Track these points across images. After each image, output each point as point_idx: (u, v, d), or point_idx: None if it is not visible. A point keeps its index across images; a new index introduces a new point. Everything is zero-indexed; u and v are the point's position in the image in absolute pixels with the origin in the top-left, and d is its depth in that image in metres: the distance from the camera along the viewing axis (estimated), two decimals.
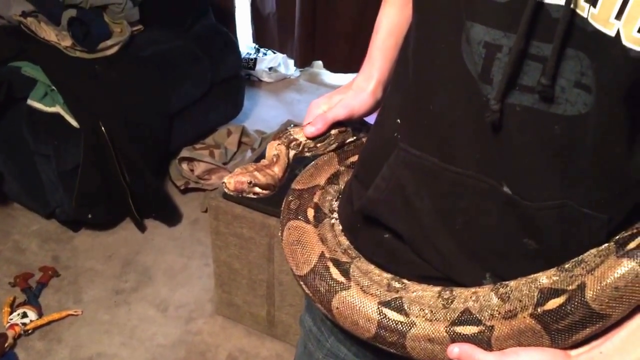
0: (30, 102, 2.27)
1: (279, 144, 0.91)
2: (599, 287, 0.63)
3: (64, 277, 2.26)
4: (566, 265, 0.67)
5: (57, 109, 2.26)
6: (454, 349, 0.70)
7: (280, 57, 3.58)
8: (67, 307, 2.13)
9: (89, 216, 2.36)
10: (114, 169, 2.32)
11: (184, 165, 2.66)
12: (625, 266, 0.62)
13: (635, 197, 0.65)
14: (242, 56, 3.53)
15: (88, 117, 2.26)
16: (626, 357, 0.64)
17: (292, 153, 0.92)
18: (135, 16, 2.72)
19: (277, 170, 0.88)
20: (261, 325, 2.04)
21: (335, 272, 0.79)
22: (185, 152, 2.66)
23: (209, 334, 2.07)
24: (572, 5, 0.55)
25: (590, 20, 0.55)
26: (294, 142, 0.91)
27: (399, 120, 0.75)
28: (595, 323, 0.64)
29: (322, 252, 0.81)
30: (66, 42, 2.42)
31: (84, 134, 2.25)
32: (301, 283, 0.83)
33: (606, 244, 0.66)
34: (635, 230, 0.65)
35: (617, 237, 0.66)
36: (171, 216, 2.52)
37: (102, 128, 2.27)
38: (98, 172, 2.31)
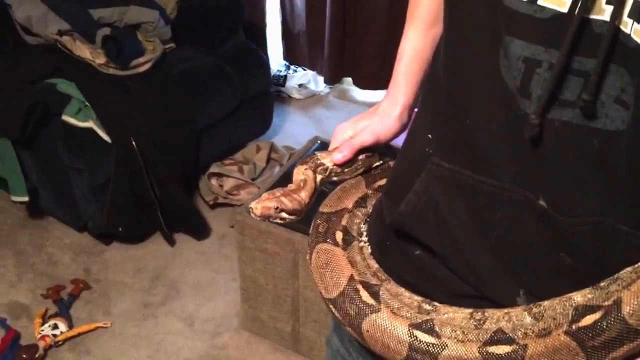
0: (64, 117, 2.32)
1: (306, 169, 0.92)
2: (635, 302, 0.62)
3: (95, 289, 2.30)
4: (602, 284, 0.66)
5: (90, 124, 2.32)
6: None
7: (310, 74, 3.61)
8: (97, 319, 2.17)
9: (120, 229, 2.41)
10: (144, 183, 2.36)
11: (213, 181, 2.69)
12: None
13: None
14: (273, 73, 3.57)
15: (120, 132, 2.31)
16: None
17: (319, 178, 0.92)
18: (167, 34, 2.78)
19: (304, 196, 0.88)
20: (286, 341, 2.04)
21: (365, 295, 0.79)
22: (214, 168, 2.69)
23: (234, 348, 2.09)
24: (616, 22, 0.55)
25: (633, 36, 0.55)
26: (321, 167, 0.92)
27: (430, 136, 0.75)
28: (633, 340, 0.63)
29: (352, 274, 0.81)
30: (100, 59, 2.49)
31: (116, 149, 2.30)
32: (330, 306, 0.82)
33: None
34: None
35: None
36: (200, 230, 2.55)
37: (133, 143, 2.31)
38: (129, 186, 2.35)
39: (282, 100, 3.50)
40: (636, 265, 0.65)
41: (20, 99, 2.28)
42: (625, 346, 0.63)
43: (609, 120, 0.59)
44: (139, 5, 2.74)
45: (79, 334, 2.10)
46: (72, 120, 2.32)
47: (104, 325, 2.14)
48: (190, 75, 2.67)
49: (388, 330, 0.75)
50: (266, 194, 0.86)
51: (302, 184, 0.89)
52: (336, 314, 0.81)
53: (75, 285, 2.28)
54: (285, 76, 3.57)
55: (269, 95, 3.12)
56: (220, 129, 2.80)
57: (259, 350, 2.08)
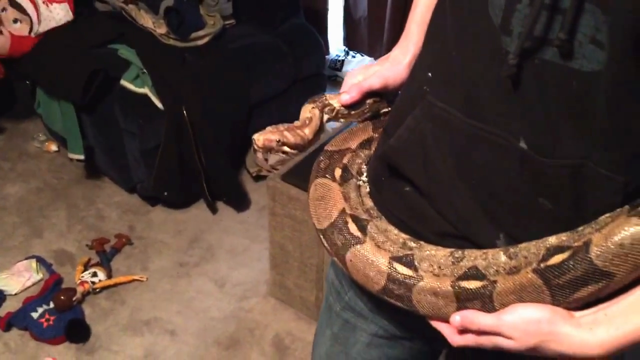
0: (123, 82, 2.44)
1: (313, 108, 0.94)
2: (604, 244, 0.62)
3: (136, 245, 2.41)
4: (579, 229, 0.67)
5: (145, 90, 2.42)
6: (456, 318, 0.72)
7: (367, 60, 3.63)
8: (135, 272, 2.27)
9: (165, 193, 2.51)
10: (191, 151, 2.45)
11: (259, 154, 2.73)
12: (634, 224, 0.61)
13: None
14: (331, 58, 3.62)
15: (172, 100, 2.40)
16: (630, 321, 0.63)
17: (325, 117, 0.95)
18: (228, 10, 2.87)
19: (308, 132, 0.91)
20: (310, 311, 2.08)
21: (353, 228, 0.82)
22: (269, 151, 2.75)
23: (259, 313, 2.14)
24: None
25: None
26: (328, 107, 0.94)
27: (430, 74, 0.76)
28: (597, 281, 0.63)
29: (344, 208, 0.85)
30: (161, 29, 2.59)
31: (167, 116, 2.39)
32: (321, 236, 0.86)
33: (620, 208, 0.65)
34: None
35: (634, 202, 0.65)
36: (240, 203, 2.62)
37: (184, 112, 2.40)
38: (176, 152, 2.45)
39: (337, 85, 3.53)
40: (614, 212, 0.65)
41: (83, 64, 2.42)
42: (589, 287, 0.64)
43: (586, 61, 0.59)
44: None
45: (116, 284, 2.21)
46: (130, 86, 2.43)
47: (140, 279, 2.24)
48: (246, 52, 2.74)
49: (370, 261, 0.78)
50: (270, 127, 0.89)
51: (307, 121, 0.92)
52: (325, 244, 0.85)
53: (119, 240, 2.39)
54: (343, 61, 3.60)
55: (323, 77, 3.16)
56: (272, 106, 2.86)
57: (282, 316, 2.13)
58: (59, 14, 2.60)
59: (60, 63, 2.45)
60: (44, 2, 2.57)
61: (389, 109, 0.96)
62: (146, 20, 2.62)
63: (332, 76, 3.52)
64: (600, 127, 0.61)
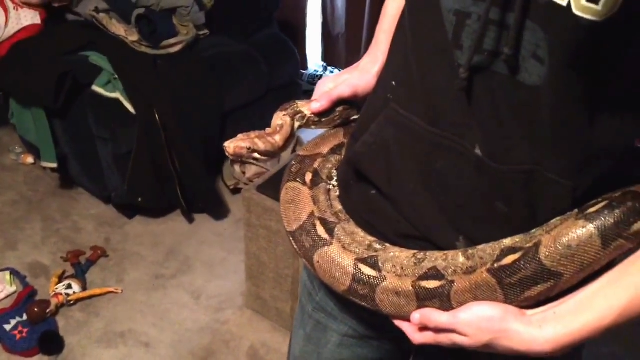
0: (94, 87, 2.43)
1: (284, 115, 0.96)
2: (552, 245, 0.65)
3: (112, 258, 2.40)
4: (532, 231, 0.70)
5: (117, 95, 2.41)
6: (415, 316, 0.74)
7: None
8: (110, 285, 2.26)
9: (140, 199, 2.49)
10: (164, 156, 2.44)
11: (237, 167, 2.77)
12: (581, 227, 0.64)
13: (600, 166, 0.66)
14: (309, 73, 3.65)
15: (144, 104, 2.40)
16: (578, 318, 0.65)
17: (296, 125, 0.96)
18: (201, 20, 2.88)
19: (278, 139, 0.92)
20: (286, 322, 2.09)
21: (321, 230, 0.84)
22: (240, 159, 2.76)
23: (235, 325, 2.14)
24: None
25: None
26: (299, 115, 0.96)
27: (393, 83, 0.78)
28: (546, 280, 0.66)
29: (313, 211, 0.87)
30: (133, 37, 2.59)
31: (140, 120, 2.39)
32: (290, 239, 0.88)
33: (570, 212, 0.67)
34: (599, 200, 0.66)
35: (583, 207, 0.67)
36: (217, 209, 2.62)
37: (157, 116, 2.40)
38: (149, 157, 2.43)
39: None
40: (564, 215, 0.67)
41: (53, 68, 2.40)
42: (539, 286, 0.67)
43: (528, 75, 0.62)
44: None
45: (91, 297, 2.19)
46: (101, 91, 2.43)
47: (115, 291, 2.23)
48: (219, 59, 2.75)
49: (336, 262, 0.81)
50: (241, 135, 0.90)
51: (278, 129, 0.93)
52: (294, 245, 0.87)
53: (94, 252, 2.38)
54: (321, 76, 3.64)
55: (297, 85, 3.19)
56: (246, 115, 2.87)
57: (258, 328, 2.13)
58: (26, 17, 2.61)
59: (31, 70, 2.45)
60: (14, 8, 2.57)
61: (359, 115, 0.97)
62: (118, 28, 2.62)
63: (310, 91, 3.56)
64: (547, 135, 0.64)
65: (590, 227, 0.63)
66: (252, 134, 0.91)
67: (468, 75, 0.65)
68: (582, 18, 0.55)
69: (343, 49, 3.61)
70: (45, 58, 2.46)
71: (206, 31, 2.83)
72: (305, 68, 3.67)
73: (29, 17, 2.62)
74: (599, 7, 0.53)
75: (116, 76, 2.40)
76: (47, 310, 2.05)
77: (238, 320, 2.16)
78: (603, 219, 0.62)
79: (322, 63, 3.78)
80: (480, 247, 0.72)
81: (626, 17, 0.54)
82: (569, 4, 0.55)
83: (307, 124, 0.97)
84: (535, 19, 0.59)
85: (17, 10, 2.58)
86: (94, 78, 2.43)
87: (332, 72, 3.74)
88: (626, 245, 0.63)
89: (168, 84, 2.50)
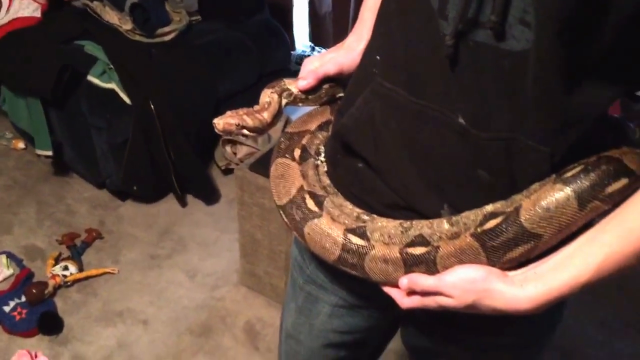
0: (89, 77, 2.46)
1: (272, 92, 0.98)
2: (532, 208, 0.69)
3: (107, 239, 2.44)
4: (513, 197, 0.73)
5: (112, 85, 2.44)
6: (403, 280, 0.78)
7: None
8: (106, 266, 2.30)
9: (135, 188, 2.54)
10: (159, 145, 2.48)
11: (227, 148, 2.80)
12: (559, 190, 0.68)
13: (575, 132, 0.68)
14: (297, 53, 3.67)
15: (139, 95, 2.43)
16: (557, 276, 0.69)
17: (284, 102, 0.99)
18: (194, 6, 2.90)
19: (267, 116, 0.95)
20: (280, 297, 2.14)
21: (310, 203, 0.87)
22: (229, 135, 2.80)
23: (231, 301, 2.19)
24: None
25: None
26: (286, 92, 0.98)
27: (378, 57, 0.81)
28: (527, 241, 0.70)
29: (302, 185, 0.89)
30: (127, 25, 2.62)
31: (135, 110, 2.42)
32: (281, 212, 0.91)
33: (548, 177, 0.71)
34: (575, 165, 0.70)
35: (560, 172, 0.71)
36: (209, 195, 2.67)
37: (152, 106, 2.43)
38: (145, 147, 2.48)
39: None
40: (543, 181, 0.72)
41: (51, 60, 2.43)
42: (520, 247, 0.71)
43: (515, 41, 0.64)
44: None
45: (87, 277, 2.23)
46: (96, 81, 2.45)
47: (112, 272, 2.27)
48: (212, 47, 2.78)
49: (326, 233, 0.84)
50: (230, 112, 0.93)
51: (266, 105, 0.96)
52: (285, 219, 0.90)
53: (89, 234, 2.41)
54: (309, 56, 3.65)
55: (289, 72, 3.21)
56: (238, 100, 2.90)
57: (253, 304, 2.18)
58: (29, 9, 2.61)
59: (27, 60, 2.46)
60: None
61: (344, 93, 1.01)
62: (112, 16, 2.64)
63: (298, 72, 3.57)
64: (528, 103, 0.67)
65: (567, 190, 0.67)
66: (241, 111, 0.94)
67: (454, 42, 0.67)
68: None
69: (330, 29, 3.63)
70: (42, 48, 2.47)
71: (198, 17, 2.85)
72: (294, 49, 3.69)
73: (31, 9, 2.62)
74: None
75: (111, 66, 2.42)
76: (45, 292, 2.09)
77: (233, 297, 2.21)
78: (579, 182, 0.66)
79: (310, 43, 3.80)
80: (464, 214, 0.76)
81: None
82: None
83: (294, 101, 1.00)
84: None
85: None
86: (89, 68, 2.44)
87: (319, 52, 3.75)
88: (601, 206, 0.67)
89: (163, 73, 2.53)
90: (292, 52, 3.63)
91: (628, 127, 0.75)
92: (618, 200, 0.67)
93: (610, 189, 0.66)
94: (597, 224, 0.68)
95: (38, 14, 2.65)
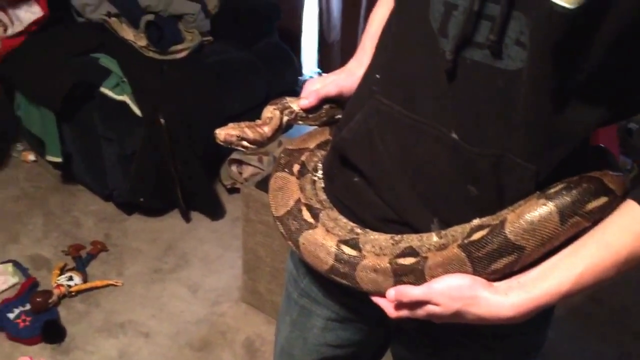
0: (103, 89, 2.52)
1: (274, 109, 1.03)
2: (516, 221, 0.73)
3: (112, 252, 2.48)
4: (499, 212, 0.77)
5: (124, 98, 2.51)
6: (391, 292, 0.81)
7: None
8: (110, 278, 2.34)
9: (141, 199, 2.58)
10: (167, 159, 2.53)
11: (233, 167, 2.86)
12: (542, 205, 0.72)
13: (562, 152, 0.73)
14: (305, 78, 3.75)
15: (150, 108, 2.49)
16: (540, 285, 0.73)
17: (285, 119, 1.03)
18: (206, 27, 2.98)
19: (267, 130, 1.00)
20: None
21: (306, 214, 0.91)
22: (235, 155, 2.86)
23: (231, 317, 2.23)
24: None
25: None
26: (288, 110, 1.03)
27: (377, 76, 0.85)
28: (511, 253, 0.74)
29: (299, 198, 0.94)
30: (142, 42, 2.69)
31: (145, 124, 2.48)
32: (278, 223, 0.95)
33: (534, 194, 0.75)
34: (558, 183, 0.75)
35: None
36: (214, 210, 2.71)
37: (162, 120, 2.50)
38: (152, 160, 2.53)
39: None
40: (528, 197, 0.76)
41: (65, 74, 2.50)
42: (504, 258, 0.75)
43: (511, 60, 0.69)
44: None
45: (92, 288, 2.27)
46: (110, 93, 2.52)
47: (115, 284, 2.31)
48: (222, 66, 2.85)
49: (319, 243, 0.88)
50: (232, 124, 0.98)
51: (267, 120, 1.01)
52: (281, 229, 0.94)
53: (94, 246, 2.46)
54: None
55: (296, 94, 3.26)
56: (245, 119, 2.94)
57: (254, 321, 2.21)
58: (32, 12, 2.69)
59: (42, 70, 2.54)
60: (9, 6, 2.66)
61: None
62: (127, 33, 2.71)
63: None
64: (518, 120, 0.71)
65: (550, 205, 0.72)
66: (243, 124, 0.98)
67: (454, 57, 0.71)
68: (556, 4, 0.61)
69: (338, 56, 3.71)
70: (58, 60, 2.54)
71: (210, 38, 2.93)
72: (301, 74, 3.77)
73: (36, 10, 2.69)
74: None
75: (124, 79, 2.49)
76: (50, 300, 2.13)
77: (234, 313, 2.24)
78: (561, 198, 0.71)
79: (317, 69, 3.88)
80: (452, 227, 0.80)
81: (595, 8, 0.61)
82: None
83: (295, 119, 1.04)
84: (519, 7, 0.66)
85: (13, 9, 2.67)
86: (103, 80, 2.51)
87: None
88: (581, 222, 0.72)
89: (173, 88, 2.59)
90: (299, 77, 3.71)
91: (610, 152, 0.80)
92: (598, 217, 0.72)
93: (591, 205, 0.71)
94: (579, 238, 0.73)
95: (41, 12, 2.72)
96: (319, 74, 3.86)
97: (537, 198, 0.74)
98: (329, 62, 3.79)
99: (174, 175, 2.55)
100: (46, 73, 2.52)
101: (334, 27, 3.66)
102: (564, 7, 0.61)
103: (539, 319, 0.78)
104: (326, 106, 1.04)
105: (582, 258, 0.71)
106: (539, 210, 0.72)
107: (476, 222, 0.79)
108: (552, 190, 0.73)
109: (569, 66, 0.66)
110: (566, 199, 0.71)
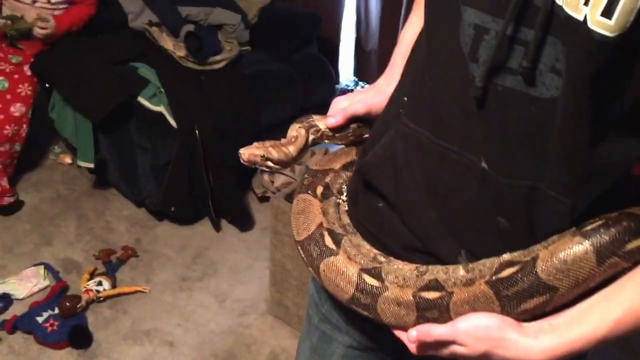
0: (140, 99, 2.55)
1: (299, 127, 0.99)
2: (549, 260, 0.68)
3: (142, 258, 2.49)
4: (531, 247, 0.72)
5: (161, 108, 2.52)
6: (412, 333, 0.77)
7: None
8: (138, 284, 2.34)
9: (172, 209, 2.59)
10: (200, 170, 2.54)
11: (266, 176, 2.84)
12: (578, 243, 0.67)
13: (598, 185, 0.67)
14: (341, 87, 3.72)
15: (186, 120, 2.50)
16: (573, 330, 0.68)
17: (311, 137, 0.99)
18: (245, 37, 2.98)
19: (292, 150, 0.96)
20: None
21: (328, 240, 0.87)
22: (253, 165, 2.83)
23: (257, 329, 2.20)
24: None
25: (564, 7, 0.59)
26: (314, 128, 0.99)
27: (405, 99, 0.82)
28: (542, 293, 0.69)
29: (321, 222, 0.90)
30: (181, 52, 2.70)
31: (180, 135, 2.49)
32: (299, 247, 0.91)
33: (568, 230, 0.70)
34: (596, 219, 0.69)
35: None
36: (244, 222, 2.70)
37: (197, 132, 2.50)
38: (186, 170, 2.54)
39: None
40: (562, 233, 0.71)
41: (112, 86, 2.53)
42: (535, 299, 0.70)
43: (545, 88, 0.64)
44: (224, 8, 2.97)
45: (120, 294, 2.28)
46: (146, 103, 2.54)
47: (144, 290, 2.31)
48: (258, 77, 2.85)
49: (341, 271, 0.84)
50: (256, 143, 0.94)
51: (292, 140, 0.97)
52: (302, 254, 0.90)
53: (125, 252, 2.47)
54: (352, 90, 3.69)
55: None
56: (280, 131, 2.92)
57: (279, 334, 2.18)
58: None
59: (86, 78, 2.55)
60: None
61: None
62: (167, 42, 2.73)
63: None
64: (552, 151, 0.66)
65: (586, 244, 0.66)
66: (267, 143, 0.94)
67: (484, 84, 0.67)
68: (595, 32, 0.57)
69: (375, 65, 3.67)
70: (101, 68, 2.57)
71: (248, 47, 2.93)
72: (338, 82, 3.74)
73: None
74: (611, 22, 0.56)
75: (162, 89, 2.50)
76: (78, 305, 2.14)
77: (260, 325, 2.22)
78: (599, 236, 0.66)
79: (354, 78, 3.85)
80: (480, 261, 0.75)
81: (636, 37, 0.56)
82: (585, 17, 0.57)
83: (321, 137, 0.99)
84: (555, 33, 0.62)
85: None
86: (141, 89, 2.53)
87: (363, 87, 3.80)
88: (620, 263, 0.66)
89: (210, 100, 2.60)
90: (336, 85, 3.68)
91: None
92: (638, 258, 0.66)
93: (630, 245, 0.65)
94: (617, 280, 0.68)
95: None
96: (356, 83, 3.82)
97: (572, 235, 0.68)
98: (365, 70, 3.75)
99: (207, 187, 2.55)
100: (91, 82, 2.54)
101: (371, 36, 3.62)
102: (603, 36, 0.56)
103: None
104: (354, 125, 0.99)
105: (620, 302, 0.66)
106: (574, 249, 0.67)
107: (506, 257, 0.74)
108: (589, 227, 0.68)
109: (608, 96, 0.61)
110: (604, 237, 0.66)
